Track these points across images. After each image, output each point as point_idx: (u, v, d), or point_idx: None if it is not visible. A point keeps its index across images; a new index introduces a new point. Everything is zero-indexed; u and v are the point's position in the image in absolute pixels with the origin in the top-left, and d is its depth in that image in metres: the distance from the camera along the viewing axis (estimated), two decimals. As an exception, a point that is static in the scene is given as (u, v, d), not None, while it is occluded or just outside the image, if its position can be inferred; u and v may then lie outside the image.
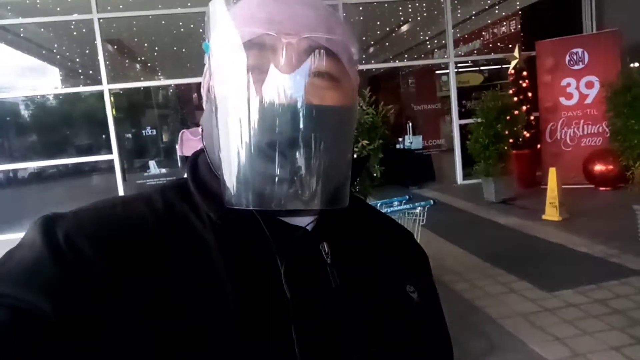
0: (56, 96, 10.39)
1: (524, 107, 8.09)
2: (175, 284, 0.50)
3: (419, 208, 3.34)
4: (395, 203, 3.47)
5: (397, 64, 14.11)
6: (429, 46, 12.94)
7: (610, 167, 7.11)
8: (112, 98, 8.36)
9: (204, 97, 0.62)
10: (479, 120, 7.29)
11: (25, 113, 10.26)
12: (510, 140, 7.39)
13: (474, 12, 11.30)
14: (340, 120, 0.55)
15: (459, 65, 9.82)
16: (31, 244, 0.49)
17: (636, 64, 6.12)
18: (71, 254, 0.48)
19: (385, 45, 13.70)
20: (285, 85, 0.50)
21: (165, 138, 11.22)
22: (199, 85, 0.66)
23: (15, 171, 10.53)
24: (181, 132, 0.66)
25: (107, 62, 8.37)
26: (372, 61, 13.56)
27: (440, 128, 11.46)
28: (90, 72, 9.91)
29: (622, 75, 5.39)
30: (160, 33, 10.18)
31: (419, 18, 11.71)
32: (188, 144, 0.65)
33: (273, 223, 0.57)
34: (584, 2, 9.09)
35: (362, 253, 0.63)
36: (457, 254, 4.96)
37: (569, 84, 7.86)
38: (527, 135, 8.13)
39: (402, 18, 11.76)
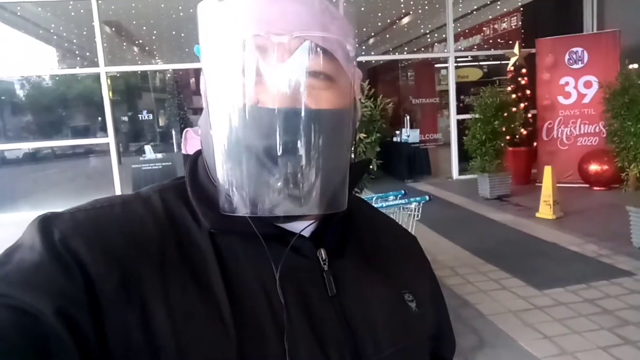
0: (52, 77, 10.31)
1: (522, 105, 8.10)
2: (169, 289, 0.50)
3: (415, 203, 3.34)
4: (391, 197, 3.47)
5: (397, 56, 14.06)
6: (429, 39, 12.90)
7: (606, 167, 7.14)
8: (109, 81, 8.29)
9: (203, 98, 0.60)
10: (477, 116, 7.29)
11: (20, 93, 10.19)
12: (507, 137, 7.41)
13: (475, 7, 11.26)
14: (336, 122, 0.53)
15: (458, 59, 9.79)
16: (29, 244, 0.49)
17: (635, 65, 6.12)
18: (67, 254, 0.47)
19: (385, 37, 13.65)
20: (277, 88, 0.49)
21: (161, 122, 11.17)
22: (197, 70, 0.64)
23: (9, 151, 10.47)
24: (185, 130, 0.64)
25: (105, 44, 8.29)
26: (372, 53, 13.53)
27: (438, 122, 11.46)
28: (88, 53, 9.82)
29: (621, 76, 5.38)
30: (159, 16, 10.08)
31: (420, 11, 11.66)
32: (192, 142, 0.64)
33: (268, 229, 0.56)
34: (585, 1, 9.07)
35: (360, 260, 0.62)
36: (450, 249, 4.98)
37: (567, 83, 7.86)
38: (524, 132, 8.15)
39: (403, 10, 11.71)
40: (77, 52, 11.46)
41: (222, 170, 0.51)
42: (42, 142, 9.99)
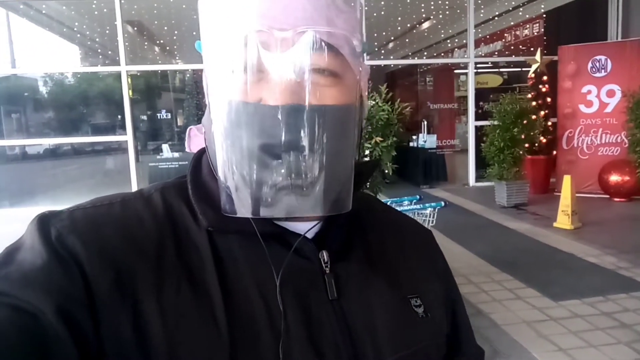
0: (74, 74, 10.47)
1: (542, 112, 7.99)
2: (163, 289, 0.49)
3: (430, 209, 3.31)
4: (406, 202, 3.44)
5: (416, 61, 14.00)
6: (449, 45, 12.82)
7: (627, 178, 7.01)
8: (129, 79, 8.40)
9: (205, 95, 0.59)
10: (496, 122, 7.22)
11: (43, 90, 10.35)
12: (526, 145, 7.32)
13: (497, 13, 11.15)
14: (340, 120, 0.51)
15: (478, 65, 9.71)
16: (28, 243, 0.49)
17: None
18: (65, 253, 0.47)
19: (405, 42, 13.59)
20: (278, 85, 0.47)
21: (179, 122, 11.26)
22: None
23: (30, 147, 10.66)
24: (189, 128, 0.63)
25: (127, 44, 8.40)
26: (391, 57, 13.49)
27: (455, 128, 11.36)
28: (109, 52, 9.95)
29: (646, 85, 5.29)
30: (180, 17, 10.17)
31: (440, 16, 11.58)
32: (195, 140, 0.63)
33: (268, 228, 0.54)
34: (610, 9, 8.92)
35: (365, 263, 0.60)
36: (465, 256, 4.93)
37: (589, 91, 7.74)
38: (544, 140, 8.04)
39: (423, 15, 11.65)
40: (99, 50, 11.63)
41: (223, 169, 0.50)
42: (62, 139, 10.15)
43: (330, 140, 0.49)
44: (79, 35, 11.11)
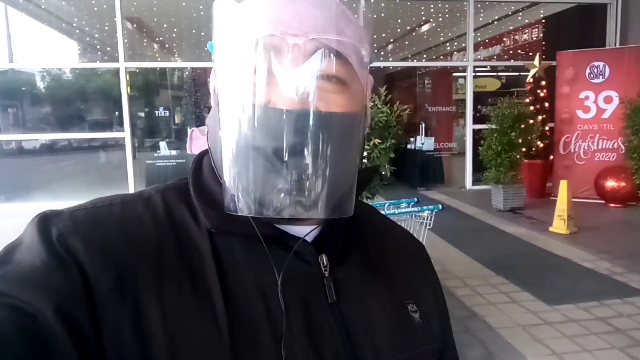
0: (72, 70, 10.44)
1: (540, 117, 8.01)
2: (164, 290, 0.49)
3: (427, 212, 3.31)
4: (403, 205, 3.44)
5: (415, 63, 14.03)
6: (448, 48, 12.84)
7: (623, 184, 7.04)
8: (127, 76, 8.37)
9: (211, 96, 0.60)
10: (493, 126, 7.23)
11: (40, 85, 10.31)
12: (523, 149, 7.34)
13: (496, 17, 11.18)
14: (346, 126, 0.52)
15: (476, 69, 9.73)
16: (28, 243, 0.48)
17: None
18: (65, 253, 0.47)
19: (404, 44, 13.61)
20: (289, 89, 0.48)
21: (177, 120, 11.24)
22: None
23: (27, 142, 10.62)
24: (191, 130, 0.63)
25: (126, 40, 8.37)
26: (390, 59, 13.50)
27: (453, 131, 11.39)
28: (108, 48, 9.94)
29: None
30: (180, 14, 10.16)
31: (440, 19, 11.61)
32: (197, 142, 0.63)
33: (269, 231, 0.55)
34: (609, 15, 8.96)
35: (364, 267, 0.61)
36: (461, 259, 4.94)
37: (587, 97, 7.77)
38: (541, 145, 8.06)
39: (423, 18, 11.67)
40: (98, 46, 11.61)
41: (229, 169, 0.50)
42: (59, 134, 10.11)
43: (335, 145, 0.50)
44: (77, 30, 11.08)
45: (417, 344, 0.60)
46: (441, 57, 13.37)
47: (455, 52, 12.20)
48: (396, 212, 3.35)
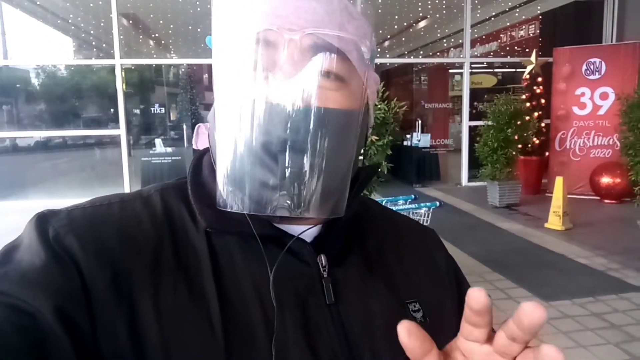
0: (67, 67, 10.37)
1: (536, 114, 8.03)
2: (159, 290, 0.49)
3: (424, 209, 3.31)
4: (401, 202, 3.45)
5: (412, 60, 14.01)
6: (445, 44, 12.84)
7: (618, 180, 7.07)
8: (123, 73, 8.33)
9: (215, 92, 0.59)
10: (490, 123, 7.24)
11: (35, 81, 10.24)
12: (519, 146, 7.35)
13: (493, 13, 11.18)
14: (342, 124, 0.51)
15: (473, 65, 9.73)
16: (27, 242, 0.48)
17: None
18: (62, 252, 0.47)
19: (401, 40, 13.61)
20: (283, 85, 0.48)
21: (173, 117, 11.19)
22: (210, 66, 0.63)
23: (21, 139, 10.56)
24: (197, 125, 0.63)
25: (121, 37, 8.33)
26: (387, 55, 13.49)
27: (449, 128, 11.39)
28: (104, 45, 9.88)
29: None
30: (176, 11, 10.12)
31: (437, 15, 11.60)
32: (202, 138, 0.62)
33: (266, 230, 0.54)
34: (605, 12, 8.98)
35: (364, 267, 0.60)
36: (457, 255, 4.90)
37: (583, 94, 7.79)
38: (537, 142, 8.08)
39: (420, 14, 11.66)
40: (93, 43, 11.53)
41: (222, 166, 0.50)
42: (54, 131, 10.06)
43: (330, 143, 0.49)
44: (73, 27, 11.02)
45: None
46: (438, 53, 13.36)
47: (452, 49, 12.19)
48: (393, 209, 3.35)
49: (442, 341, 0.62)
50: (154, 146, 9.01)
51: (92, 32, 11.09)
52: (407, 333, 0.39)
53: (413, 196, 3.60)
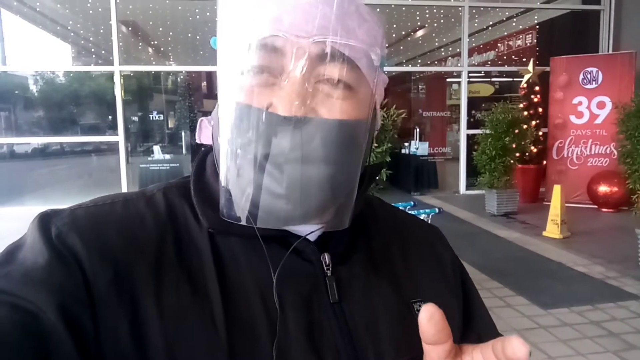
0: (66, 73, 10.39)
1: (534, 122, 8.06)
2: (162, 290, 0.49)
3: (424, 215, 3.32)
4: (400, 208, 3.45)
5: (410, 68, 14.08)
6: (442, 53, 12.90)
7: (615, 189, 7.08)
8: (122, 80, 8.35)
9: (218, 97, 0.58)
10: (488, 131, 7.27)
11: (34, 88, 10.25)
12: (517, 154, 7.37)
13: (491, 23, 11.25)
14: (349, 135, 0.49)
15: (471, 74, 9.78)
16: (30, 242, 0.48)
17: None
18: (65, 251, 0.47)
19: (399, 49, 13.67)
20: (289, 94, 0.46)
21: (171, 124, 11.20)
22: (209, 73, 0.62)
23: (18, 145, 10.55)
24: (200, 119, 0.62)
25: (121, 44, 8.36)
26: (386, 63, 13.53)
27: (447, 136, 11.42)
28: (103, 52, 9.90)
29: (637, 98, 5.34)
30: (175, 18, 10.16)
31: (435, 24, 11.67)
32: (205, 132, 0.61)
33: (270, 231, 0.52)
34: (602, 22, 9.05)
35: (368, 266, 0.59)
36: (455, 263, 4.93)
37: (580, 103, 7.82)
38: (534, 150, 8.10)
39: (418, 23, 11.73)
40: (92, 50, 11.57)
41: (225, 172, 0.49)
42: (52, 138, 10.05)
43: (335, 155, 0.48)
44: (72, 34, 11.05)
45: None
46: (436, 62, 13.42)
47: (449, 58, 12.25)
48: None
49: None
50: (152, 153, 9.01)
51: (91, 39, 11.12)
52: (429, 316, 0.38)
53: (412, 202, 3.60)
